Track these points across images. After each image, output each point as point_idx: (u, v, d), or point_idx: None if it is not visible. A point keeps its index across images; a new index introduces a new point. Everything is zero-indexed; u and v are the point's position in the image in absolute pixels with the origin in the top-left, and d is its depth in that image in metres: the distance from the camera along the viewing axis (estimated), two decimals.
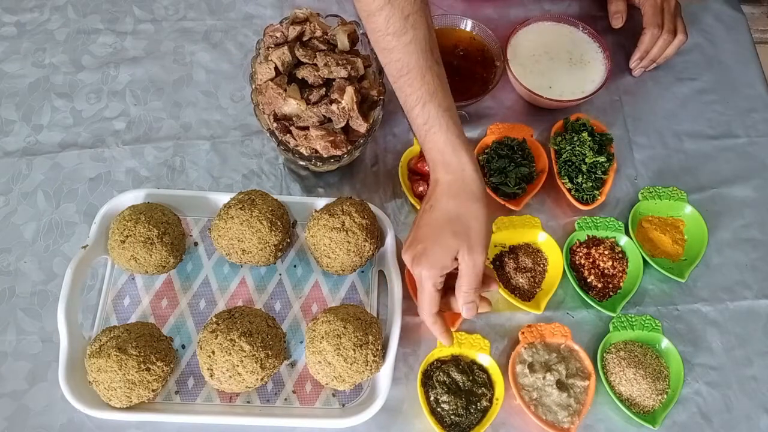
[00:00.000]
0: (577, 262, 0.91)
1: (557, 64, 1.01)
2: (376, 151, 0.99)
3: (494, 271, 0.89)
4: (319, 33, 0.91)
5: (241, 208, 0.82)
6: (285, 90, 0.86)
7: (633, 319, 0.86)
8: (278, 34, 0.90)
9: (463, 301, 0.74)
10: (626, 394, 0.83)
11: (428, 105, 0.73)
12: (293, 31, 0.90)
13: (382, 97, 0.89)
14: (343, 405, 0.81)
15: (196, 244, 0.90)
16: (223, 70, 1.04)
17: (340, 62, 0.87)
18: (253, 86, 0.89)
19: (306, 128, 0.86)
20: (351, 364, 0.76)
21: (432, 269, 0.73)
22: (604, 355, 0.85)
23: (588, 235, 0.93)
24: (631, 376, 0.82)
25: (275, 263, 0.89)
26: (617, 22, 1.05)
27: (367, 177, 0.97)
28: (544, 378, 0.82)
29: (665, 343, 0.85)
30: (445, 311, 0.78)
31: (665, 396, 0.83)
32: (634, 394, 0.82)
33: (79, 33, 1.06)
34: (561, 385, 0.82)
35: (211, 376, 0.77)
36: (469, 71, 1.00)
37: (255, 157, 0.97)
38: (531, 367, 0.83)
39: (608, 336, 0.85)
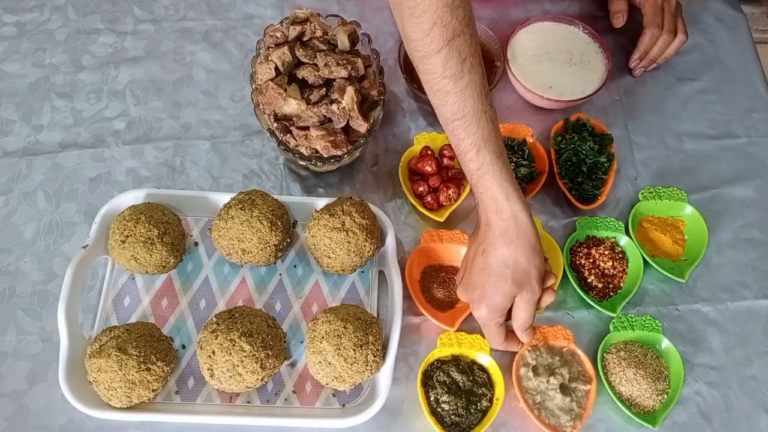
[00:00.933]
0: (578, 263, 0.91)
1: (557, 64, 1.01)
2: (376, 151, 0.99)
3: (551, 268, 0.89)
4: (319, 33, 0.91)
5: (241, 208, 0.82)
6: (285, 90, 0.86)
7: (633, 320, 0.86)
8: (278, 34, 0.90)
9: (522, 331, 0.78)
10: (626, 394, 0.83)
11: (482, 151, 0.73)
12: (293, 31, 0.90)
13: (382, 97, 0.89)
14: (344, 405, 0.81)
15: (196, 244, 0.90)
16: (223, 70, 1.04)
17: (340, 62, 0.87)
18: (254, 86, 0.89)
19: (306, 128, 0.86)
20: (351, 364, 0.76)
21: (494, 312, 0.76)
22: (605, 355, 0.85)
23: (588, 235, 0.93)
24: (632, 377, 0.82)
25: (275, 263, 0.89)
26: (618, 22, 1.05)
27: (367, 177, 0.97)
28: (547, 382, 0.82)
29: (665, 343, 0.85)
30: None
31: (665, 396, 0.83)
32: (635, 394, 0.82)
33: (79, 33, 1.06)
34: (564, 389, 0.82)
35: (212, 376, 0.77)
36: None
37: (255, 157, 0.97)
38: (535, 370, 0.83)
39: (608, 336, 0.85)
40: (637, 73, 1.06)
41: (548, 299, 0.78)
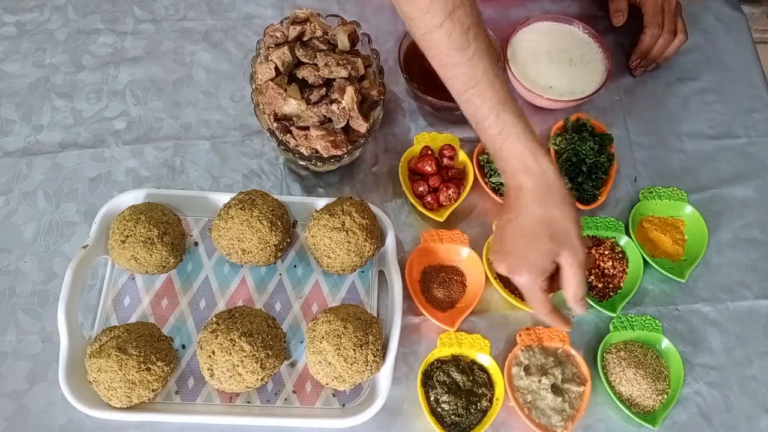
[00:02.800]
0: None
1: (557, 64, 1.01)
2: (376, 151, 0.99)
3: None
4: (319, 33, 0.91)
5: (241, 208, 0.82)
6: (285, 90, 0.86)
7: (633, 320, 0.86)
8: (278, 34, 0.90)
9: (574, 301, 0.73)
10: (626, 394, 0.83)
11: (502, 114, 0.72)
12: (293, 31, 0.90)
13: (382, 97, 0.89)
14: (344, 405, 0.81)
15: (196, 244, 0.90)
16: (223, 70, 1.04)
17: (340, 62, 0.87)
18: (254, 86, 0.89)
19: (306, 128, 0.86)
20: (351, 364, 0.76)
21: (535, 275, 0.72)
22: (605, 355, 0.85)
23: (588, 235, 0.93)
24: (632, 376, 0.82)
25: (275, 263, 0.89)
26: (618, 21, 1.04)
27: (367, 177, 0.97)
28: (539, 381, 0.82)
29: (665, 343, 0.85)
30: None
31: (665, 396, 0.83)
32: (635, 394, 0.82)
33: (79, 33, 1.06)
34: (556, 390, 0.82)
35: (212, 376, 0.77)
36: None
37: (255, 157, 0.97)
38: (527, 369, 0.83)
39: (608, 336, 0.85)
40: (637, 73, 1.06)
41: (588, 263, 0.74)
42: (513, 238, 0.74)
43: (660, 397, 0.83)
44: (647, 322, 0.86)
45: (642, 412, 0.82)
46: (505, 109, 0.72)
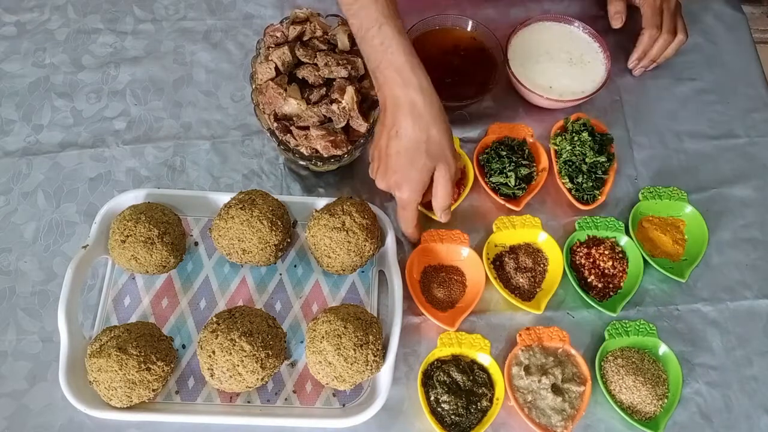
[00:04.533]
0: (578, 262, 0.91)
1: (557, 64, 1.01)
2: None
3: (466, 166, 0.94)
4: (319, 33, 0.91)
5: (241, 208, 0.82)
6: (285, 90, 0.86)
7: (627, 325, 0.86)
8: (278, 34, 0.90)
9: (441, 210, 0.83)
10: (627, 402, 0.82)
11: (384, 26, 0.77)
12: (293, 31, 0.90)
13: None
14: (344, 405, 0.81)
15: (196, 243, 0.90)
16: (223, 70, 1.04)
17: (340, 62, 0.87)
18: (254, 86, 0.89)
19: (306, 128, 0.86)
20: (351, 364, 0.76)
21: (415, 192, 0.79)
22: (602, 364, 0.85)
23: (588, 235, 0.93)
24: (631, 384, 0.82)
25: (275, 263, 0.89)
26: (617, 23, 1.05)
27: (367, 177, 0.96)
28: (539, 381, 0.82)
29: (662, 347, 0.85)
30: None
31: (665, 401, 0.83)
32: (635, 401, 0.82)
33: (79, 33, 1.06)
34: (556, 389, 0.81)
35: (212, 375, 0.77)
36: (469, 71, 1.00)
37: (255, 157, 0.97)
38: (527, 369, 0.83)
39: (605, 344, 0.85)
40: (636, 72, 1.06)
41: (457, 176, 0.82)
42: (396, 158, 0.79)
43: (660, 402, 0.82)
44: (641, 326, 0.86)
45: (644, 418, 0.82)
46: (388, 22, 0.77)
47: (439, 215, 0.83)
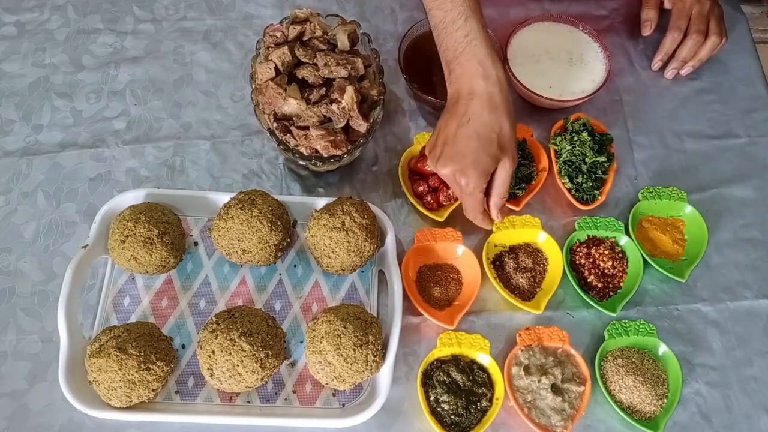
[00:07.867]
0: (577, 262, 0.91)
1: (557, 64, 1.01)
2: (376, 151, 0.99)
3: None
4: (319, 33, 0.91)
5: (241, 208, 0.82)
6: (285, 90, 0.86)
7: (627, 325, 0.86)
8: (278, 34, 0.90)
9: (496, 206, 0.81)
10: (627, 402, 0.82)
11: (470, 19, 0.78)
12: (293, 31, 0.90)
13: (382, 97, 0.89)
14: (343, 405, 0.81)
15: (196, 243, 0.90)
16: (223, 70, 1.04)
17: (340, 62, 0.87)
18: (254, 86, 0.89)
19: (306, 128, 0.86)
20: (351, 364, 0.76)
21: (481, 179, 0.78)
22: (602, 364, 0.85)
23: (588, 235, 0.93)
24: (630, 384, 0.82)
25: (275, 263, 0.89)
26: (646, 30, 1.06)
27: (367, 177, 0.97)
28: (539, 381, 0.82)
29: (662, 347, 0.85)
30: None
31: (665, 400, 0.83)
32: (635, 401, 0.82)
33: (79, 33, 1.06)
34: (556, 389, 0.82)
35: (212, 375, 0.77)
36: None
37: (255, 157, 0.97)
38: (527, 369, 0.83)
39: (604, 344, 0.85)
40: (668, 75, 1.06)
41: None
42: (466, 142, 0.78)
43: (660, 402, 0.82)
44: (641, 326, 0.86)
45: (644, 418, 0.82)
46: (473, 15, 0.79)
47: (495, 213, 0.82)
